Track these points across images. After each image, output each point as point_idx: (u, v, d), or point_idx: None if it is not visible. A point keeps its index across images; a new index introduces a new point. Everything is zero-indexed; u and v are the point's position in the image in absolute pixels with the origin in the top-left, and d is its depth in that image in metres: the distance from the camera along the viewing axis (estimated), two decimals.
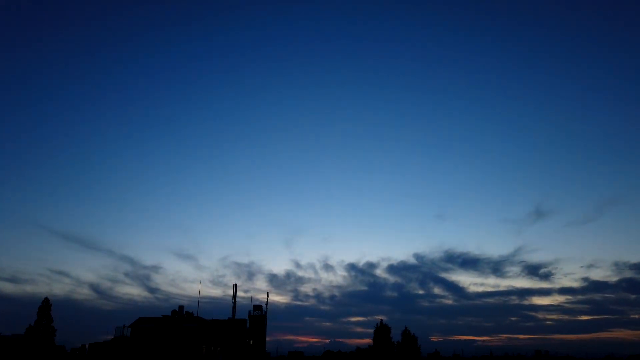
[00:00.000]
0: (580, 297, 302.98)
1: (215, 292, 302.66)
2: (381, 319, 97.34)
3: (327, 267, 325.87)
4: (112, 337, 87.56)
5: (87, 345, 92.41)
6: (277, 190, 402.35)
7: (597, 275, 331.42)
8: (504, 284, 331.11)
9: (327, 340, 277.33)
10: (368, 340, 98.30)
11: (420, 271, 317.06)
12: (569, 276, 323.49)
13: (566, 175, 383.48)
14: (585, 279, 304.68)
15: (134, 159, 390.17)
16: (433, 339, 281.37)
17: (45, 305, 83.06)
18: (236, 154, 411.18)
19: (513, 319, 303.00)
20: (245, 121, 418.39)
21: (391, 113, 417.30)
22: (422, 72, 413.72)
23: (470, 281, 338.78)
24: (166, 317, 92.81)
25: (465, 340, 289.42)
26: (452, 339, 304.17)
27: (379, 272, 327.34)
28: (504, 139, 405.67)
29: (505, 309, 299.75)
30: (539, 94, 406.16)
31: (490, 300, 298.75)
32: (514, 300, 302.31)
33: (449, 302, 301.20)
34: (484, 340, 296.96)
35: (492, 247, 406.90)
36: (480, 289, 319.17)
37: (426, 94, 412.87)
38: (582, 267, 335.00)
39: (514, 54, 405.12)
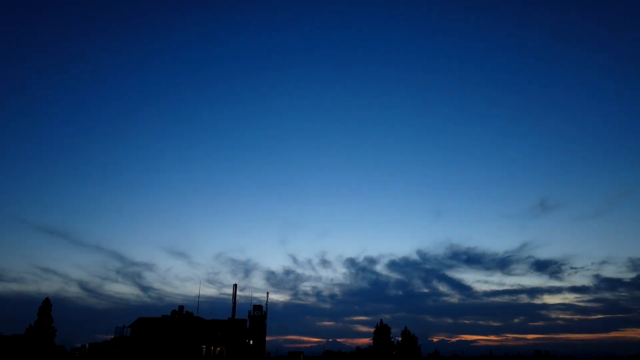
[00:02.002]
0: (592, 295, 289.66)
1: (211, 290, 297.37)
2: (381, 319, 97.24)
3: (325, 263, 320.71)
4: (112, 337, 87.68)
5: (87, 345, 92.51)
6: (272, 185, 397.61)
7: (609, 272, 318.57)
8: (511, 281, 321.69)
9: (324, 340, 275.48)
10: (370, 340, 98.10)
11: (424, 268, 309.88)
12: (580, 273, 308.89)
13: (573, 167, 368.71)
14: (597, 276, 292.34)
15: (122, 152, 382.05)
16: (435, 339, 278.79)
17: (46, 305, 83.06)
18: (229, 148, 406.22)
19: (521, 318, 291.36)
20: (239, 116, 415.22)
21: (391, 106, 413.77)
22: (424, 66, 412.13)
23: (476, 279, 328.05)
24: (166, 317, 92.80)
25: (471, 340, 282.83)
26: (451, 340, 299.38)
27: (380, 268, 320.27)
28: (505, 131, 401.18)
29: (513, 308, 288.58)
30: (541, 84, 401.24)
31: (498, 299, 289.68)
32: (522, 299, 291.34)
33: (455, 300, 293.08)
34: (488, 340, 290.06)
35: (497, 242, 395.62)
36: (485, 287, 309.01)
37: (428, 86, 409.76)
38: (593, 263, 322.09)
39: (519, 48, 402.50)
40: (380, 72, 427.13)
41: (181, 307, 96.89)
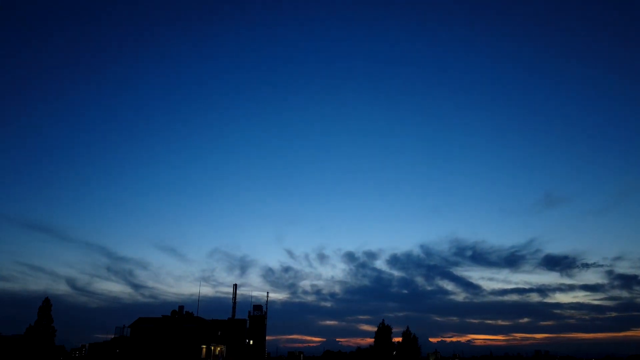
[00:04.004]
0: (605, 293, 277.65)
1: (206, 289, 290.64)
2: (383, 319, 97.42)
3: (323, 257, 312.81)
4: (112, 336, 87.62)
5: (87, 345, 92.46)
6: (267, 179, 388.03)
7: (623, 268, 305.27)
8: (520, 279, 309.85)
9: (326, 340, 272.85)
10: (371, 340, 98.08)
11: (428, 265, 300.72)
12: (592, 270, 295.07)
13: (579, 161, 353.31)
14: (611, 273, 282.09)
15: (110, 145, 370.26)
16: (434, 339, 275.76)
17: (46, 305, 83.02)
18: (221, 141, 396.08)
19: (531, 317, 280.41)
20: (232, 109, 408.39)
21: (393, 100, 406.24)
22: (428, 61, 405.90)
23: (482, 276, 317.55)
24: (166, 317, 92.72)
25: (473, 339, 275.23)
26: (449, 340, 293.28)
27: (382, 264, 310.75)
28: (509, 125, 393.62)
29: (522, 307, 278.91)
30: (546, 79, 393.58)
31: (506, 298, 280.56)
32: (532, 297, 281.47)
33: (460, 299, 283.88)
34: (494, 340, 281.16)
35: (503, 237, 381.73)
36: (493, 285, 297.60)
37: (433, 80, 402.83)
38: (605, 258, 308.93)
39: (526, 44, 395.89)
40: (381, 66, 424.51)
41: (181, 307, 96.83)
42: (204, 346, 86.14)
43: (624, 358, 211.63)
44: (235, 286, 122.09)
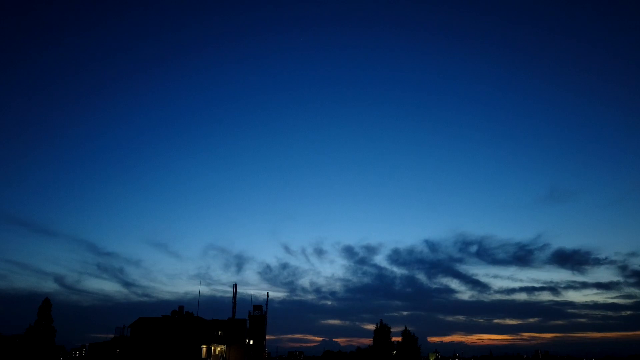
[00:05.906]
0: (619, 291, 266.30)
1: (202, 287, 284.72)
2: (381, 319, 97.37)
3: (321, 252, 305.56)
4: (112, 336, 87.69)
5: (87, 345, 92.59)
6: (261, 171, 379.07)
7: (638, 264, 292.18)
8: (528, 276, 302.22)
9: (326, 339, 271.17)
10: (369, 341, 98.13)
11: (432, 261, 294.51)
12: (605, 266, 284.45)
13: (588, 152, 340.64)
14: (624, 269, 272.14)
15: (96, 139, 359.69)
16: (432, 339, 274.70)
17: (46, 305, 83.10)
18: (215, 135, 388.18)
19: (540, 317, 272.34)
20: (227, 103, 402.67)
21: (397, 92, 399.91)
22: (434, 55, 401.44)
23: (488, 273, 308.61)
24: (166, 317, 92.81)
25: (484, 339, 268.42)
26: (448, 339, 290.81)
27: (380, 259, 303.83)
28: (514, 117, 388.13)
29: (531, 305, 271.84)
30: (552, 74, 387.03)
31: (515, 296, 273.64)
32: (541, 295, 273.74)
33: (467, 297, 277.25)
34: (498, 340, 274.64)
35: (509, 233, 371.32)
36: (501, 283, 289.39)
37: (438, 74, 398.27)
38: (618, 254, 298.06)
39: (532, 40, 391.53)
40: (384, 60, 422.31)
41: (181, 307, 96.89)
42: (204, 346, 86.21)
43: (624, 357, 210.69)
44: (235, 286, 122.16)
